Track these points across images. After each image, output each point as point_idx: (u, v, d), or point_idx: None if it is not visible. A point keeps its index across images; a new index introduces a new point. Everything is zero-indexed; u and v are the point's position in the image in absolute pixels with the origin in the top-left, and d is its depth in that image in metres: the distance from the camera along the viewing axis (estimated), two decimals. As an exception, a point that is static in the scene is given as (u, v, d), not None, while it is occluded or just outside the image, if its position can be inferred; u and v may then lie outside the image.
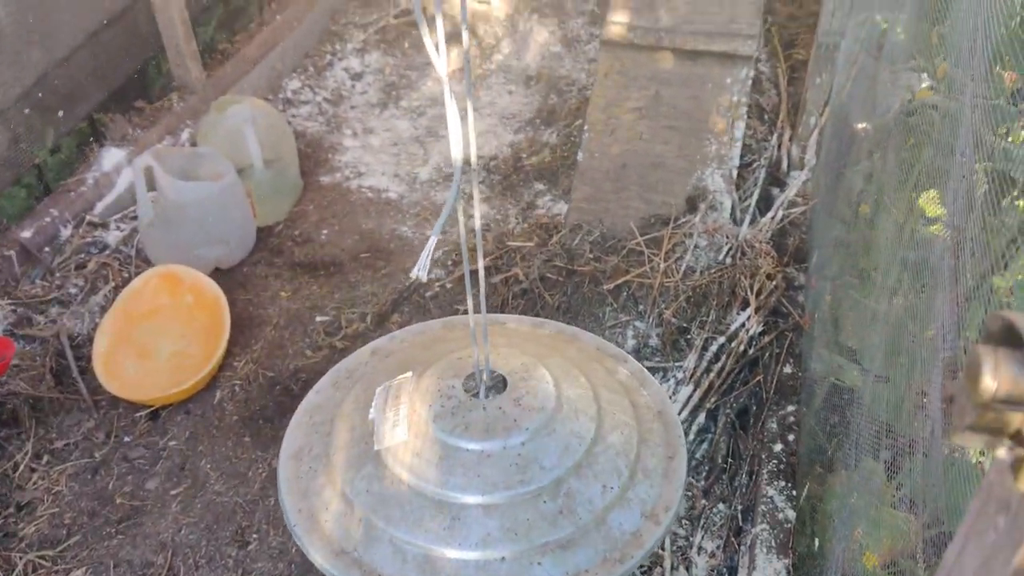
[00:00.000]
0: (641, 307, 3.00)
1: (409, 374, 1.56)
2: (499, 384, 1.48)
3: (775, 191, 3.38)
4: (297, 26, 4.50)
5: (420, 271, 1.30)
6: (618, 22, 3.27)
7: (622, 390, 1.48)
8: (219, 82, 4.02)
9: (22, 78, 3.30)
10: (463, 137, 1.25)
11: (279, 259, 3.57)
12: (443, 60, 1.25)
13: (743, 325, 2.81)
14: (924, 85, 3.31)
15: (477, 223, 1.41)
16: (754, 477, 2.45)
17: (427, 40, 1.23)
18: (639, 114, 3.22)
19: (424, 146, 4.27)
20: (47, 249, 3.26)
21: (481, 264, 1.50)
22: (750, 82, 3.15)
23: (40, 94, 3.39)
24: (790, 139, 3.47)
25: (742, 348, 2.78)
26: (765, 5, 3.22)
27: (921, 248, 2.30)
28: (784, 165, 3.38)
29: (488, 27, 4.97)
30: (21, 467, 2.74)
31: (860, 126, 3.47)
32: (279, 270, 3.52)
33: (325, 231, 3.72)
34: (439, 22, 1.22)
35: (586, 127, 3.27)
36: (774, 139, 3.37)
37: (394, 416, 1.53)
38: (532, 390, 1.43)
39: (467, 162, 1.44)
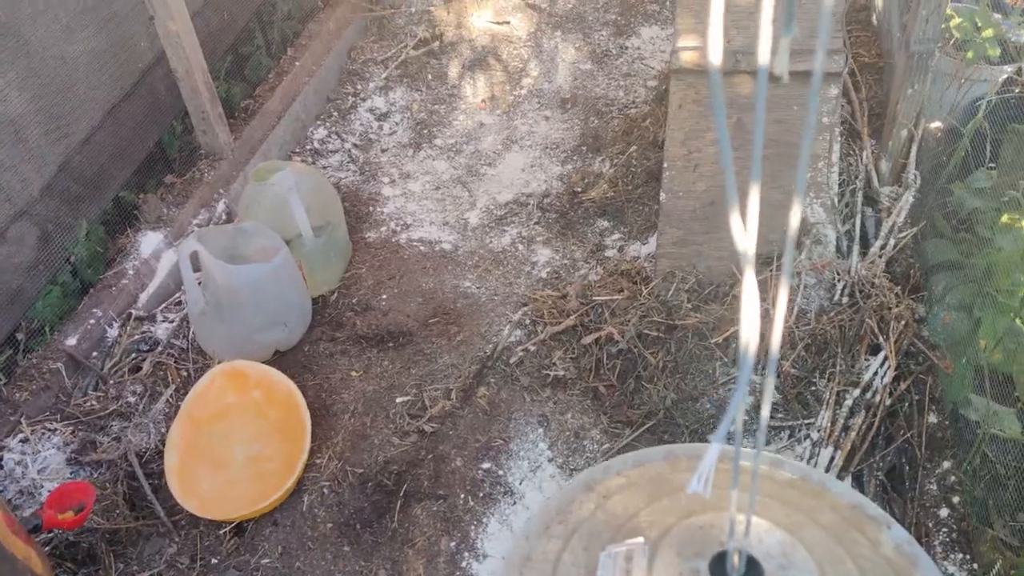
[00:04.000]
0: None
1: (640, 541, 1.32)
2: (753, 571, 1.24)
3: (867, 211, 3.15)
4: (316, 70, 4.23)
5: (701, 484, 1.05)
6: (687, 47, 3.02)
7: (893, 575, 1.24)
8: (246, 143, 3.75)
9: (43, 169, 3.02)
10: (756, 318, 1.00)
11: (341, 333, 3.32)
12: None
13: (876, 373, 2.58)
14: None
15: (763, 419, 1.16)
16: (925, 551, 2.23)
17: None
18: (722, 146, 2.97)
19: (468, 187, 4.01)
20: (95, 354, 2.99)
21: (739, 446, 1.26)
22: (841, 100, 2.92)
23: (64, 185, 3.11)
24: (874, 153, 3.24)
25: (877, 399, 2.56)
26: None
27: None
28: (874, 182, 3.15)
29: (512, 49, 4.70)
30: (107, 611, 2.49)
31: (938, 128, 3.24)
32: (344, 345, 3.26)
33: (384, 295, 3.47)
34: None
35: (665, 164, 3.03)
36: (863, 156, 3.14)
37: (624, 600, 1.29)
38: (796, 586, 1.19)
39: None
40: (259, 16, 4.37)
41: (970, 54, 3.23)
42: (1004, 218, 2.52)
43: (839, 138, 2.90)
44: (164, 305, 3.25)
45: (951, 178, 3.16)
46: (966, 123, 3.33)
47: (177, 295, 3.30)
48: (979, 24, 3.20)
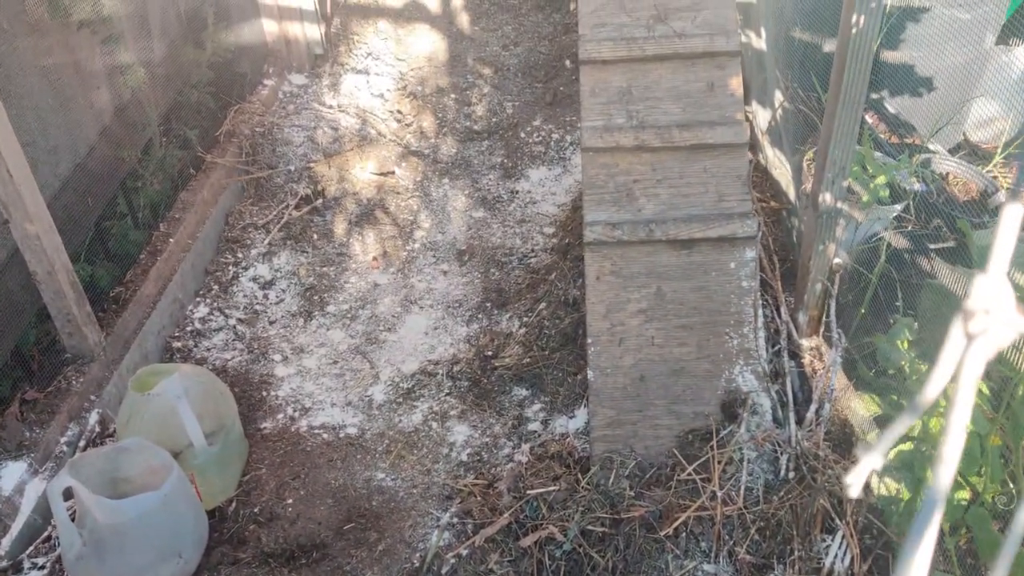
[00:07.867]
0: (703, 545, 2.61)
1: None
2: None
3: (791, 364, 3.10)
4: (192, 244, 3.91)
5: None
6: (599, 221, 2.92)
7: None
8: (119, 337, 3.37)
9: None
10: None
11: (244, 552, 2.94)
12: None
13: (836, 556, 2.46)
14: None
15: None
16: None
17: None
18: (645, 316, 2.86)
19: (368, 358, 3.74)
20: (-52, 627, 2.50)
21: None
22: (757, 263, 2.87)
23: (-96, 420, 2.66)
24: (789, 306, 3.22)
25: (843, 585, 2.42)
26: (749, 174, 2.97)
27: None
28: (794, 335, 3.11)
29: (400, 200, 4.54)
30: None
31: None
32: (250, 568, 2.88)
33: (289, 499, 3.12)
34: None
35: (590, 339, 2.88)
36: (781, 311, 3.10)
37: None
38: None
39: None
40: (123, 185, 4.03)
41: (866, 198, 3.29)
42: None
43: (760, 304, 2.84)
44: (32, 547, 2.79)
45: (864, 322, 3.16)
46: (864, 259, 3.39)
47: (48, 531, 2.85)
48: (870, 169, 3.27)
